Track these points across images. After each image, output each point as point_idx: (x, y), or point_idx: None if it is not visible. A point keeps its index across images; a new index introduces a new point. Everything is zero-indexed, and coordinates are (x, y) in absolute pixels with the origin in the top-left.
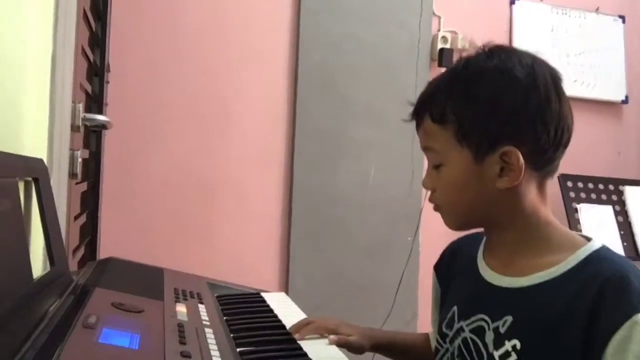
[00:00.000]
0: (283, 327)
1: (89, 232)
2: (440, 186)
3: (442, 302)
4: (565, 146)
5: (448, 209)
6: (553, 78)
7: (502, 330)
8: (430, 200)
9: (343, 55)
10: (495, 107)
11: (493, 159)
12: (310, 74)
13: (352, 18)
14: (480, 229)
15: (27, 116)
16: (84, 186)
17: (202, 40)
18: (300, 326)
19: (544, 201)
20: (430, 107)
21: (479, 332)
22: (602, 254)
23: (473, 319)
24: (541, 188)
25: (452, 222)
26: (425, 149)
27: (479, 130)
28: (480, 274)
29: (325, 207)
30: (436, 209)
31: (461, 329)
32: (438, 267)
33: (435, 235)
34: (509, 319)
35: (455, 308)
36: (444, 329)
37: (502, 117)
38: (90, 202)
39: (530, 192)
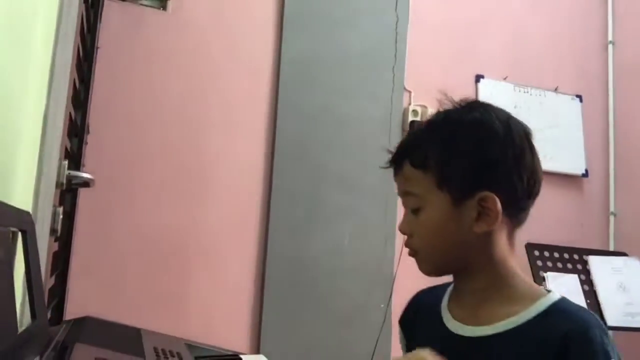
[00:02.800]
0: None
1: (57, 295)
2: (418, 230)
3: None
4: (535, 196)
5: (424, 254)
6: (526, 133)
7: None
8: (407, 245)
9: (318, 125)
10: (475, 157)
11: (471, 204)
12: (287, 142)
13: (328, 91)
14: (445, 281)
15: (18, 170)
16: (55, 246)
17: (182, 109)
18: None
19: (513, 251)
20: (410, 154)
21: None
22: (563, 305)
23: None
24: (511, 238)
25: (427, 267)
26: (404, 193)
27: (459, 176)
28: (445, 324)
29: (299, 273)
30: (412, 254)
31: None
32: (402, 321)
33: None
34: None
35: None
36: None
37: (481, 166)
38: (60, 264)
39: (502, 240)
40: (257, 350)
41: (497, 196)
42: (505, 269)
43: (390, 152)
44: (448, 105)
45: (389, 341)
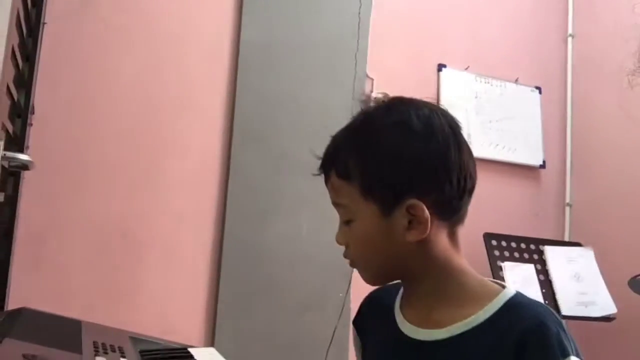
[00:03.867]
0: None
1: None
2: (352, 242)
3: (363, 356)
4: (470, 194)
5: (362, 265)
6: (452, 127)
7: None
8: (345, 256)
9: (278, 111)
10: (395, 161)
11: (400, 213)
12: (246, 128)
13: (288, 76)
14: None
15: None
16: None
17: (136, 91)
18: None
19: (457, 249)
20: (334, 163)
21: None
22: (518, 301)
23: None
24: (452, 236)
25: (368, 277)
26: (335, 204)
27: (382, 184)
28: (399, 327)
29: (256, 263)
30: (352, 264)
31: None
32: (356, 321)
33: (367, 292)
34: None
35: None
36: None
37: (403, 171)
38: (2, 251)
39: (441, 242)
40: (212, 340)
41: (425, 200)
42: (452, 269)
43: (318, 158)
44: (371, 104)
45: (346, 331)
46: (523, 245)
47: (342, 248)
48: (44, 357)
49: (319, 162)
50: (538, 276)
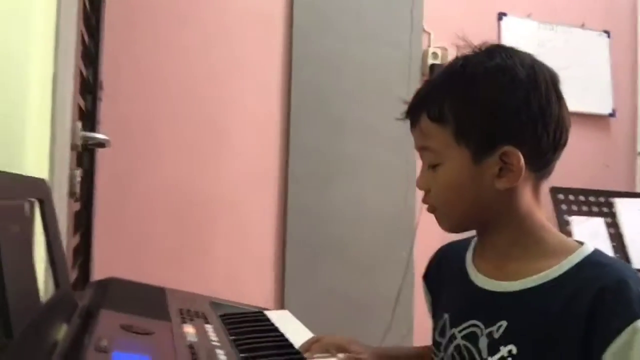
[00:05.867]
0: (291, 345)
1: (82, 254)
2: (436, 186)
3: (434, 311)
4: (562, 148)
5: (443, 210)
6: (552, 79)
7: (496, 335)
8: (424, 201)
9: (335, 73)
10: (496, 107)
11: (492, 160)
12: (303, 92)
13: (343, 36)
14: (469, 235)
15: (29, 136)
16: (76, 206)
17: (195, 59)
18: (309, 344)
19: (539, 204)
20: (427, 106)
21: (472, 338)
22: (597, 257)
23: (465, 325)
24: (536, 190)
25: (447, 224)
26: (421, 148)
27: (479, 129)
28: (471, 279)
29: (320, 225)
30: (430, 210)
31: (453, 336)
32: (426, 276)
33: (430, 250)
34: (504, 324)
35: (447, 316)
36: (437, 338)
37: (502, 117)
38: (83, 223)
39: (526, 194)
40: (281, 301)
41: (520, 150)
42: (532, 223)
43: (406, 102)
44: (468, 50)
45: (411, 288)
46: (592, 199)
47: (405, 208)
48: (140, 326)
49: (406, 106)
50: (608, 229)
